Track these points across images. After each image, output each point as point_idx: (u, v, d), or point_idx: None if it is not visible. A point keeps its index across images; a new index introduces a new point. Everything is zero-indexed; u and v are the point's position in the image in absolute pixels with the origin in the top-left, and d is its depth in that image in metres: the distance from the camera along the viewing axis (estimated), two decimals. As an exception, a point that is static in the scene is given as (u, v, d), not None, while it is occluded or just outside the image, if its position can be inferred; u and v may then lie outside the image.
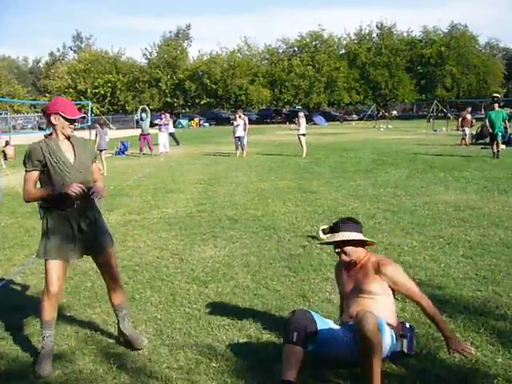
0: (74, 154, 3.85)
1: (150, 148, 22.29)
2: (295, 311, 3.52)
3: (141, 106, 26.36)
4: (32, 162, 3.74)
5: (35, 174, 3.77)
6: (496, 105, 18.15)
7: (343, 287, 3.85)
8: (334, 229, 3.80)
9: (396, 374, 3.52)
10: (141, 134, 22.47)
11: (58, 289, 3.80)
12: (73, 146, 3.87)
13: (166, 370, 3.68)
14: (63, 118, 3.79)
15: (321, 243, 4.06)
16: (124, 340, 4.06)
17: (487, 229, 7.44)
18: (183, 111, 71.74)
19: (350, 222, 3.84)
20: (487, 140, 23.15)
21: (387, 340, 3.42)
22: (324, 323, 3.50)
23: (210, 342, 4.12)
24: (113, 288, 4.09)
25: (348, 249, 3.74)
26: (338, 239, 3.72)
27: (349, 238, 3.71)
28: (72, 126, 3.85)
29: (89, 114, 26.37)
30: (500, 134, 17.31)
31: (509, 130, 18.85)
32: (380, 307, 3.59)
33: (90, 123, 25.68)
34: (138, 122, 57.91)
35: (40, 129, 48.40)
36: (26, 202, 3.92)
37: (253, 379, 3.49)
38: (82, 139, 4.03)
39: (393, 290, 3.72)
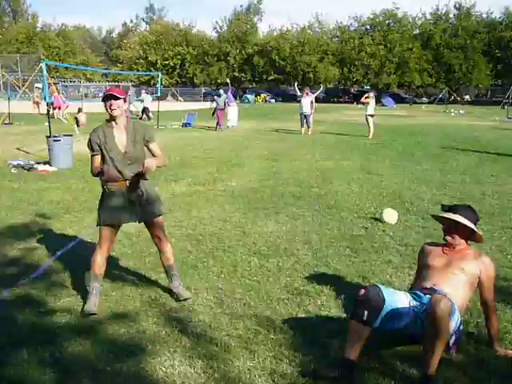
0: (126, 141, 4.26)
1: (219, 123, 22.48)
2: (367, 288, 3.48)
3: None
4: (92, 147, 4.28)
5: (97, 156, 4.29)
6: None
7: (431, 261, 3.81)
8: (452, 209, 3.83)
9: (455, 361, 3.48)
10: (218, 108, 22.63)
11: (104, 249, 4.37)
12: (127, 133, 4.28)
13: (226, 337, 3.78)
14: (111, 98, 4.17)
15: (434, 215, 4.03)
16: (174, 294, 4.52)
17: (560, 222, 7.17)
18: (250, 86, 71.81)
19: (470, 211, 3.86)
20: None
21: (453, 323, 3.38)
22: (392, 298, 3.44)
23: (269, 314, 4.19)
24: (163, 251, 4.54)
25: (458, 232, 3.77)
26: (455, 219, 3.74)
27: (466, 223, 3.73)
28: (116, 105, 4.16)
29: (158, 85, 26.70)
30: None
31: None
32: (461, 287, 3.60)
33: (159, 94, 26.08)
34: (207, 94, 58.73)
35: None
36: (95, 176, 4.41)
37: (309, 353, 3.54)
38: (137, 124, 4.44)
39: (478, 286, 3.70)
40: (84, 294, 4.51)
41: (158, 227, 4.47)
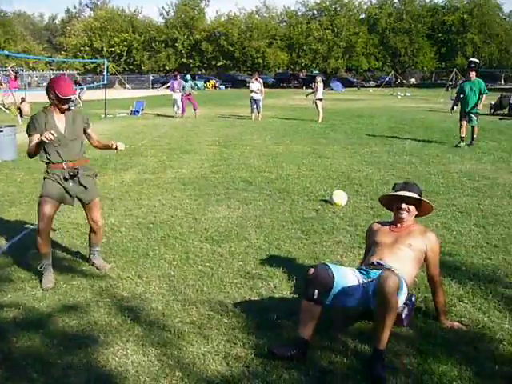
0: (65, 124, 4.50)
1: (194, 108, 22.00)
2: (316, 268, 3.51)
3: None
4: (33, 128, 4.41)
5: (35, 136, 4.39)
6: (473, 73, 13.06)
7: (379, 238, 3.91)
8: (405, 187, 3.96)
9: (403, 335, 3.58)
10: (183, 95, 22.26)
11: (45, 225, 4.47)
12: (65, 118, 4.51)
13: (179, 324, 3.78)
14: (57, 96, 4.36)
15: (389, 195, 4.12)
16: (95, 266, 4.92)
17: (501, 199, 7.44)
18: (199, 72, 71.23)
19: (416, 187, 4.00)
20: (506, 111, 22.94)
21: (402, 296, 3.47)
22: (341, 275, 3.51)
23: (222, 299, 4.20)
24: (93, 231, 4.89)
25: (412, 208, 3.89)
26: (414, 196, 3.89)
27: (422, 199, 3.91)
28: (64, 107, 4.44)
29: (105, 73, 26.17)
30: (474, 116, 12.93)
31: (479, 106, 13.12)
32: (408, 262, 3.68)
33: (106, 82, 25.57)
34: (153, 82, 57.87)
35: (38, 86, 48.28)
36: (29, 157, 4.60)
37: (262, 335, 3.57)
38: (76, 111, 4.67)
39: (424, 262, 3.80)
40: (31, 287, 4.43)
41: (95, 210, 4.78)
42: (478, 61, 14.04)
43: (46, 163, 4.53)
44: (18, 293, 4.35)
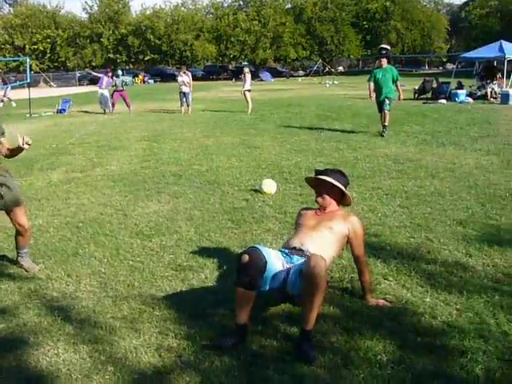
0: None
1: (127, 104, 21.51)
2: (248, 253, 3.46)
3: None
4: None
5: None
6: (384, 60, 12.78)
7: (302, 221, 3.98)
8: (323, 172, 4.01)
9: (331, 314, 3.71)
10: (115, 91, 21.75)
11: None
12: None
13: (111, 319, 3.76)
14: None
15: (307, 178, 4.20)
16: (23, 268, 4.81)
17: (424, 180, 7.75)
18: (127, 67, 69.93)
19: (340, 175, 4.05)
20: (429, 95, 23.80)
21: None
22: (271, 259, 3.54)
23: (154, 292, 4.21)
24: (20, 234, 4.78)
25: (328, 193, 3.95)
26: (328, 180, 3.92)
27: (335, 184, 3.92)
28: None
29: (28, 71, 25.31)
30: (387, 100, 12.50)
31: (401, 95, 13.12)
32: (328, 245, 3.75)
33: (29, 81, 24.72)
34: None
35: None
36: None
37: (195, 325, 3.61)
38: None
39: (346, 243, 3.91)
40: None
41: (19, 215, 4.67)
42: (388, 47, 13.79)
43: None
44: None
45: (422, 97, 23.89)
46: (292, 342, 3.37)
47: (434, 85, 24.25)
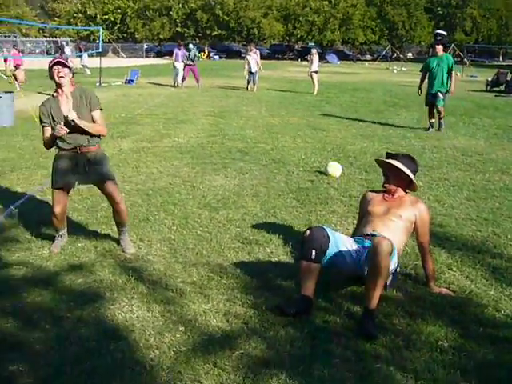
0: (71, 108, 4.31)
1: (196, 79, 21.67)
2: (312, 229, 3.69)
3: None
4: (42, 119, 4.40)
5: (47, 128, 4.40)
6: (440, 47, 11.38)
7: (371, 208, 4.04)
8: (394, 156, 4.06)
9: (393, 298, 3.78)
10: (186, 65, 21.86)
11: (60, 210, 4.51)
12: (72, 100, 4.36)
13: (181, 284, 3.96)
14: (48, 72, 4.34)
15: (377, 159, 4.26)
16: (121, 246, 4.69)
17: (493, 174, 7.61)
18: (193, 42, 70.46)
19: (410, 161, 4.08)
20: (502, 88, 23.04)
21: (392, 264, 3.65)
22: (336, 238, 3.70)
23: (221, 262, 4.38)
24: (115, 210, 4.67)
25: (395, 178, 3.98)
26: (395, 164, 3.95)
27: (402, 169, 3.94)
28: (57, 81, 4.30)
29: (99, 41, 25.94)
30: (441, 95, 11.18)
31: (452, 87, 11.34)
32: (398, 233, 3.85)
33: (101, 50, 25.36)
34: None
35: (48, 54, 47.85)
36: (47, 149, 4.61)
37: (261, 295, 3.76)
38: (84, 90, 4.52)
39: (414, 231, 3.95)
40: (38, 248, 4.60)
41: (109, 190, 4.57)
42: (445, 33, 12.27)
43: (58, 148, 4.47)
44: (26, 252, 4.52)
45: (494, 89, 23.14)
46: (355, 320, 3.46)
47: (509, 77, 23.42)
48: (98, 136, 4.53)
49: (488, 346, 3.22)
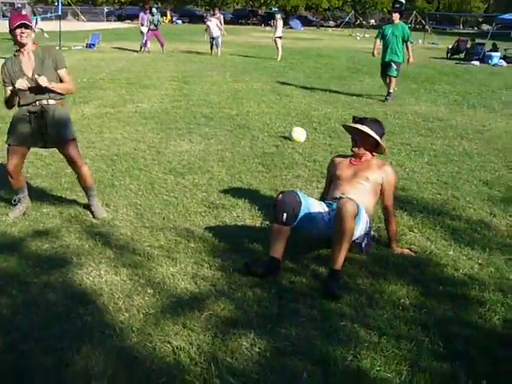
0: (34, 67, 4.28)
1: (161, 43, 21.31)
2: (284, 193, 3.75)
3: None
4: (5, 74, 4.32)
5: (8, 87, 4.33)
6: (396, 15, 11.03)
7: (340, 172, 4.10)
8: (361, 120, 4.10)
9: (357, 259, 3.88)
10: (151, 30, 21.41)
11: (13, 167, 4.44)
12: (35, 59, 4.30)
13: (148, 248, 3.98)
14: (10, 31, 4.23)
15: (344, 125, 4.30)
16: (91, 212, 4.63)
17: (452, 140, 7.78)
18: (155, 6, 68.85)
19: (378, 124, 4.15)
20: (462, 55, 23.34)
21: (362, 225, 3.74)
22: (307, 202, 3.76)
23: (188, 226, 4.41)
24: (78, 174, 4.60)
25: (363, 142, 4.05)
26: (363, 130, 4.00)
27: (370, 133, 4.00)
28: (19, 40, 4.22)
29: (59, 3, 25.12)
30: (394, 65, 10.88)
31: (411, 58, 11.21)
32: (366, 194, 3.94)
33: (60, 13, 24.57)
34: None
35: (4, 16, 46.12)
36: (8, 108, 4.49)
37: (228, 258, 3.82)
38: (49, 49, 4.45)
39: (380, 193, 4.04)
40: (1, 214, 4.54)
41: (68, 151, 4.50)
42: (403, 1, 11.49)
43: (17, 102, 4.38)
44: (-13, 218, 4.46)
45: (454, 57, 23.44)
46: (320, 280, 3.55)
47: (468, 45, 23.73)
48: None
49: (447, 303, 3.35)
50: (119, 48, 22.51)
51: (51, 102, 4.35)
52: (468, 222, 4.69)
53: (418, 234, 4.43)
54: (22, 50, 4.29)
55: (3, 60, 4.49)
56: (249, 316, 3.12)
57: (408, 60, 11.14)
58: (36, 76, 4.16)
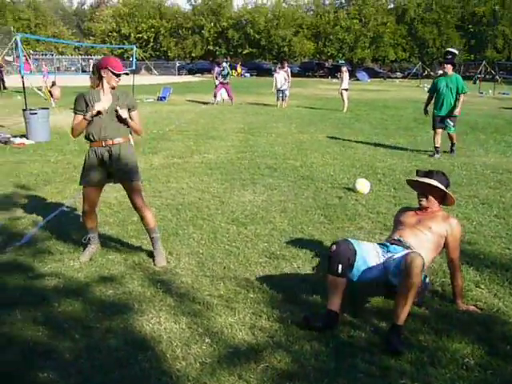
0: (111, 101, 4.56)
1: (230, 97, 21.84)
2: (338, 243, 3.72)
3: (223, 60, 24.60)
4: (77, 107, 4.56)
5: (79, 116, 4.54)
6: (449, 67, 10.47)
7: (403, 219, 4.08)
8: (427, 174, 4.10)
9: (420, 314, 3.77)
10: (220, 83, 21.77)
11: (88, 207, 4.75)
12: (112, 97, 4.58)
13: (208, 297, 4.02)
14: (111, 72, 4.53)
15: (412, 179, 4.31)
16: (153, 259, 4.76)
17: (523, 192, 7.52)
18: (226, 60, 71.18)
19: (443, 176, 4.14)
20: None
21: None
22: (362, 249, 3.72)
23: (248, 276, 4.43)
24: (142, 216, 4.80)
25: (432, 195, 4.03)
26: (430, 182, 4.00)
27: (439, 186, 4.00)
28: (118, 79, 4.61)
29: (133, 59, 26.45)
30: (451, 122, 10.41)
31: (458, 110, 10.38)
32: (426, 244, 3.86)
33: (135, 68, 25.80)
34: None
35: (83, 71, 48.98)
36: (73, 136, 4.74)
37: (287, 309, 3.80)
38: (124, 92, 4.78)
39: (444, 246, 3.96)
40: (70, 259, 4.72)
41: (134, 192, 4.71)
42: (456, 51, 10.97)
43: (89, 140, 4.61)
44: (58, 264, 4.64)
45: (526, 106, 22.85)
46: (380, 335, 3.47)
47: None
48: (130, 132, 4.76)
49: (515, 364, 3.19)
50: (189, 100, 23.26)
51: (118, 140, 4.59)
52: (539, 279, 4.48)
53: (484, 290, 4.26)
54: (101, 86, 4.57)
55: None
56: (305, 370, 3.08)
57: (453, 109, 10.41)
58: (118, 107, 4.49)
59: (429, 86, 10.86)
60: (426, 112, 11.05)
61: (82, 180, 4.70)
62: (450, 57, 10.71)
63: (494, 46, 62.73)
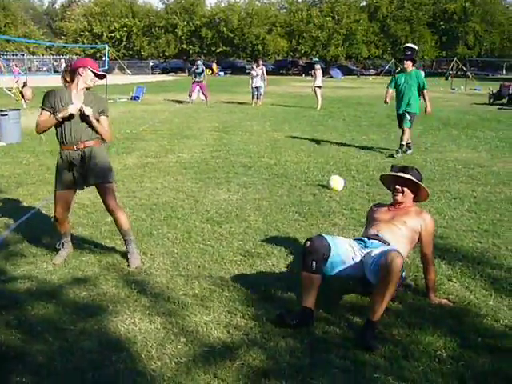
0: (83, 101, 4.44)
1: (205, 96, 21.65)
2: (312, 239, 3.72)
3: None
4: (45, 103, 4.45)
5: (47, 113, 4.45)
6: (408, 63, 10.23)
7: (377, 215, 4.13)
8: (403, 169, 4.15)
9: (393, 308, 3.81)
10: (195, 81, 21.74)
11: (59, 212, 4.65)
12: (84, 97, 4.48)
13: (182, 296, 4.01)
14: (93, 72, 4.49)
15: (387, 174, 4.33)
16: (127, 260, 4.70)
17: (494, 186, 7.65)
18: (201, 58, 70.89)
19: (417, 172, 4.19)
20: (505, 100, 23.09)
21: None
22: (336, 245, 3.74)
23: (223, 274, 4.43)
24: (116, 218, 4.71)
25: (406, 190, 4.08)
26: (408, 177, 4.06)
27: (415, 180, 4.07)
28: (95, 79, 4.54)
29: (105, 58, 26.27)
30: (408, 116, 10.23)
31: (428, 107, 10.29)
32: (401, 239, 3.90)
33: (107, 67, 25.60)
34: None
35: (55, 71, 48.37)
36: (37, 132, 4.66)
37: (261, 307, 3.81)
38: (97, 94, 4.71)
39: (418, 241, 4.02)
40: (42, 262, 4.67)
41: (107, 194, 4.63)
42: (415, 47, 10.77)
43: (59, 143, 4.52)
44: (30, 266, 4.59)
45: (497, 102, 23.20)
46: (354, 330, 3.50)
47: (511, 90, 23.47)
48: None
49: (486, 355, 3.24)
50: (163, 100, 23.14)
51: (89, 143, 4.50)
52: (509, 271, 4.56)
53: (456, 283, 4.33)
54: (75, 86, 4.47)
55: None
56: (280, 366, 3.10)
57: (425, 110, 10.34)
58: (82, 105, 4.36)
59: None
60: (385, 102, 11.04)
61: (57, 185, 4.61)
62: (409, 53, 10.75)
63: (465, 42, 63.62)
